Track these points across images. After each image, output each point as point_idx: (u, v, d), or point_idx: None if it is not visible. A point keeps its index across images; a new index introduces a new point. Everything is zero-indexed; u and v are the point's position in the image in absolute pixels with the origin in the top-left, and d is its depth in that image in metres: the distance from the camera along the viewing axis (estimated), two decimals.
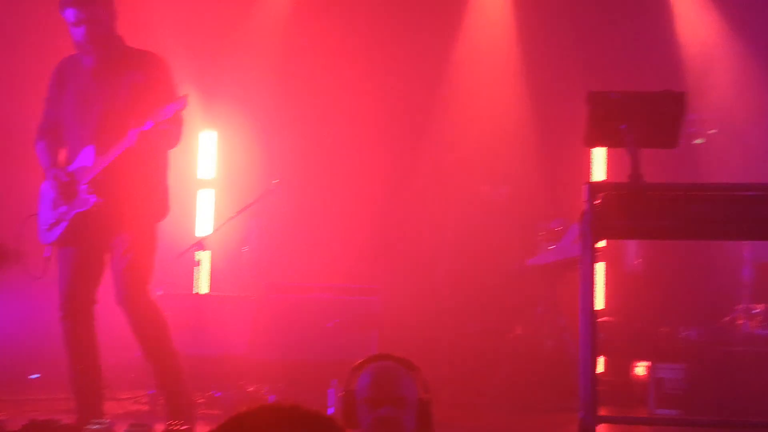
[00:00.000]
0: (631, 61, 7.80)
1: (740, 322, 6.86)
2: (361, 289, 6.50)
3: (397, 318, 6.82)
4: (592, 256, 3.69)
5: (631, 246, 7.88)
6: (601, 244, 7.19)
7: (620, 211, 3.68)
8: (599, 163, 7.70)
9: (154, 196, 4.57)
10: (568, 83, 7.20)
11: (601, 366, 7.13)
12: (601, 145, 3.96)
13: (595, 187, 3.72)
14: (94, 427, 3.41)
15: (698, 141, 7.34)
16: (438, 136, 7.92)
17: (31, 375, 6.43)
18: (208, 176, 7.91)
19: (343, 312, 6.00)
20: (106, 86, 4.50)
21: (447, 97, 8.06)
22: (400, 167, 7.94)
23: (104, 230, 4.48)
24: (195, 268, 6.63)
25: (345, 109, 7.94)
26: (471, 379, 6.65)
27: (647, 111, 3.77)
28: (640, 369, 6.80)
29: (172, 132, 4.47)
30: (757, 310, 6.78)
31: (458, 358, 6.83)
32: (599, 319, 7.23)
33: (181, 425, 3.82)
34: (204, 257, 6.67)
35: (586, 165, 7.70)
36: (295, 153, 7.93)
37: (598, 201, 3.68)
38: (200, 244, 6.44)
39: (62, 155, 4.64)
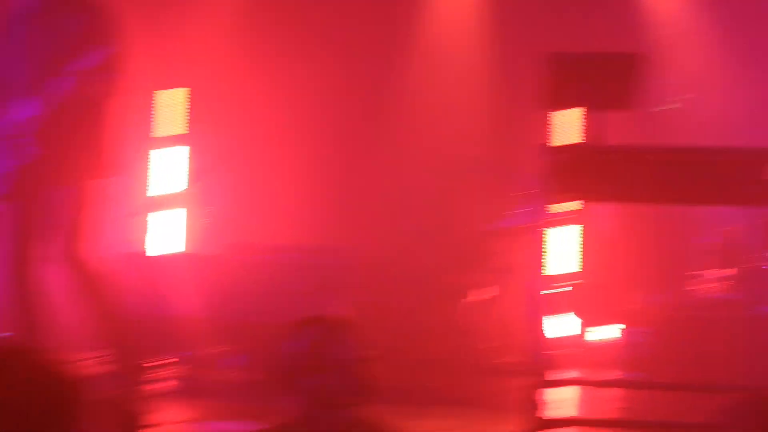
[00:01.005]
0: (599, 25, 7.70)
1: (708, 286, 6.86)
2: (327, 249, 6.43)
3: (364, 277, 6.78)
4: (545, 219, 3.65)
5: (607, 209, 7.84)
6: (576, 206, 7.19)
7: (577, 173, 3.63)
8: (573, 125, 7.61)
9: (86, 151, 4.43)
10: (538, 42, 7.13)
11: (574, 328, 7.13)
12: (560, 106, 3.92)
13: (551, 149, 3.67)
14: None
15: (670, 107, 7.28)
16: (406, 94, 7.85)
17: None
18: (176, 132, 7.80)
19: (310, 272, 5.94)
20: (44, 32, 4.38)
21: (415, 55, 7.97)
22: (368, 125, 7.87)
23: (40, 185, 4.39)
24: (155, 227, 6.54)
25: (312, 68, 7.84)
26: (434, 340, 6.63)
27: (605, 73, 3.72)
28: (611, 332, 6.80)
29: (99, 84, 4.34)
30: (726, 275, 6.78)
31: (423, 319, 6.81)
32: (574, 282, 7.24)
33: (124, 386, 3.78)
34: (167, 216, 6.57)
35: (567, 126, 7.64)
36: (265, 112, 7.84)
37: (554, 162, 3.63)
38: (162, 202, 6.36)
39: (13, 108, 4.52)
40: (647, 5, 8.01)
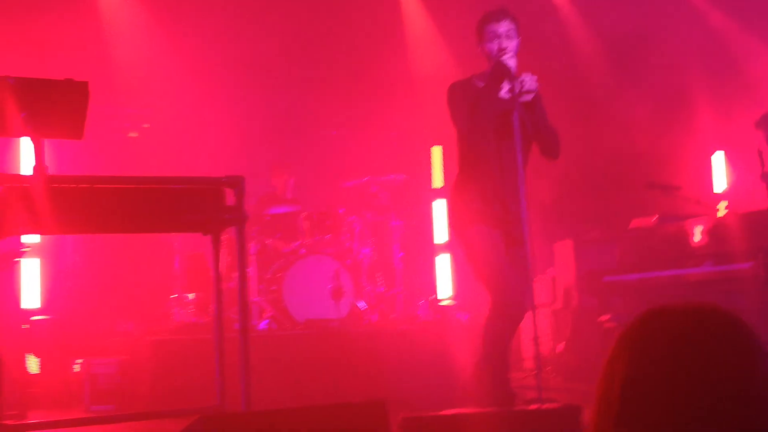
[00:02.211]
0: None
1: (175, 310, 7.06)
2: None
3: None
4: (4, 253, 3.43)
5: (68, 241, 7.67)
6: (33, 239, 6.90)
7: (23, 205, 3.46)
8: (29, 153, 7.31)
9: None
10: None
11: (36, 367, 6.81)
12: (7, 133, 3.69)
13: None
14: None
15: (132, 134, 7.40)
16: None
17: None
18: None
19: None
20: None
21: None
22: None
23: None
24: None
25: None
26: None
27: (50, 99, 3.59)
28: (77, 366, 6.63)
29: None
30: (189, 299, 7.03)
31: None
32: (36, 318, 6.92)
33: None
34: None
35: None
36: None
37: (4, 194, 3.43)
38: None
39: None
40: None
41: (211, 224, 3.83)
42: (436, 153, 9.17)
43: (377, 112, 8.77)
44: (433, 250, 9.11)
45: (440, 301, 8.40)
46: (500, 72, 4.45)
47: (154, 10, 8.09)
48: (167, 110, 7.99)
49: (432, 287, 8.88)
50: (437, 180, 9.15)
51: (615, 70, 8.52)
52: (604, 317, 6.01)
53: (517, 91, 4.40)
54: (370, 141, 8.71)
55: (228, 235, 4.53)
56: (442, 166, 9.13)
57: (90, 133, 3.73)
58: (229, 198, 3.79)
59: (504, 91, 4.51)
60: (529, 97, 4.52)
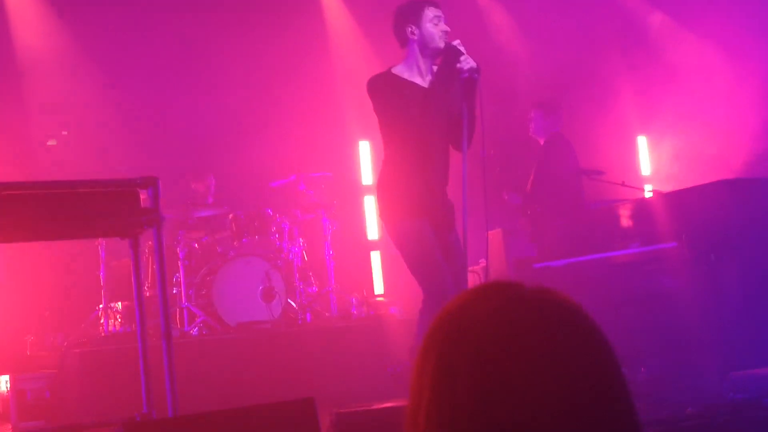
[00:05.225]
0: None
1: (103, 320, 6.88)
2: None
3: None
4: None
5: None
6: None
7: None
8: None
9: None
10: None
11: None
12: None
13: None
14: None
15: (51, 143, 7.20)
16: None
17: None
18: None
19: None
20: None
21: None
22: None
23: None
24: None
25: None
26: None
27: None
28: (3, 383, 6.43)
29: None
30: (117, 308, 6.86)
31: None
32: None
33: None
34: None
35: None
36: None
37: None
38: None
39: None
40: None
41: (127, 227, 3.70)
42: (364, 148, 9.10)
43: (301, 110, 8.67)
44: (365, 246, 9.05)
45: (374, 297, 8.35)
46: (453, 55, 4.31)
47: (61, 14, 7.88)
48: (85, 117, 7.77)
49: (365, 283, 8.82)
50: (366, 175, 9.09)
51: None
52: None
53: (466, 68, 4.29)
54: (296, 139, 8.60)
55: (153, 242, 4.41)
56: (370, 162, 9.07)
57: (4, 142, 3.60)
58: (146, 200, 3.69)
59: (465, 69, 4.35)
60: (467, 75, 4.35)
